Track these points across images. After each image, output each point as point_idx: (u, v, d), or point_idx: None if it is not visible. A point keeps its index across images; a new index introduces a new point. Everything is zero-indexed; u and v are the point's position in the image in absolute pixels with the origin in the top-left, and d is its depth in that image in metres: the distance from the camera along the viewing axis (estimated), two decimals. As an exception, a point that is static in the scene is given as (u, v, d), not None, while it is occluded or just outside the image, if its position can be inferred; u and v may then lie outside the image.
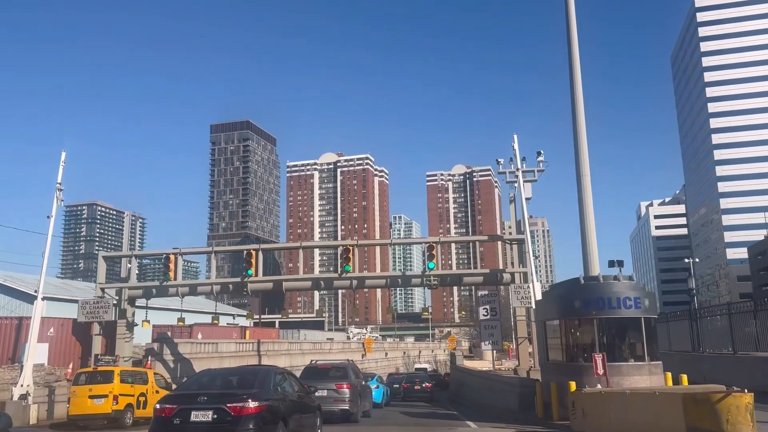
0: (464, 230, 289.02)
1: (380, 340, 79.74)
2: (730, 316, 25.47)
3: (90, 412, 18.76)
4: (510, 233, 29.69)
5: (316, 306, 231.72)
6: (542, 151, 26.58)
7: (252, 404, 10.33)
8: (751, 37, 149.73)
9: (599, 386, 16.29)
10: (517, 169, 25.17)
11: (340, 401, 18.86)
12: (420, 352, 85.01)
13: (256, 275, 27.70)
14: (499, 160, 27.30)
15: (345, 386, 19.30)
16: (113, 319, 29.00)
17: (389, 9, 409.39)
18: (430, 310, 29.38)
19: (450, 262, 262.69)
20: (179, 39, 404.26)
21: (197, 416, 10.23)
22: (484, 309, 27.90)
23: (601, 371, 15.71)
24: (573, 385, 16.86)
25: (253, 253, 27.50)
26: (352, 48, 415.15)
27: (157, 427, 10.55)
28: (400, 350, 76.98)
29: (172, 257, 28.10)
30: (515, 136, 24.65)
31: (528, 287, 25.73)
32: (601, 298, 17.51)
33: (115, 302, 29.88)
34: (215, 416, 10.19)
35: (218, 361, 37.13)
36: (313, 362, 22.44)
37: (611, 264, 20.48)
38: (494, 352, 28.82)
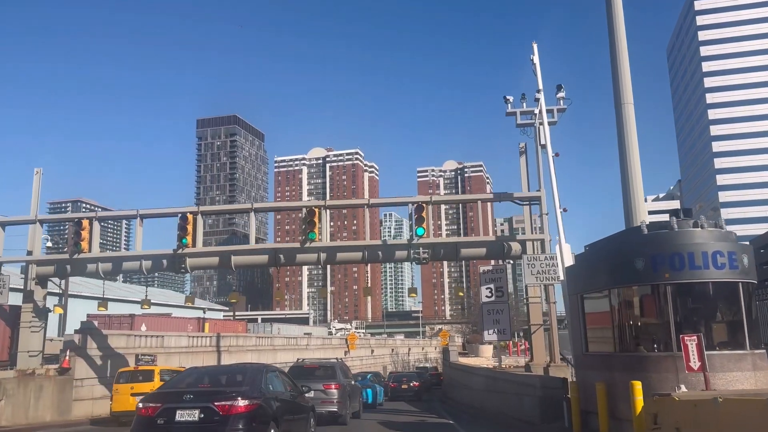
0: (455, 226, 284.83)
1: (366, 337, 73.47)
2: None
3: (132, 409, 18.30)
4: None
5: (305, 304, 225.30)
6: (563, 85, 20.60)
7: (241, 403, 9.75)
8: (750, 26, 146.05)
9: (683, 387, 10.24)
10: (538, 92, 18.68)
11: (328, 402, 17.92)
12: (410, 349, 78.89)
13: (193, 245, 21.43)
14: (508, 97, 21.21)
15: (333, 386, 18.44)
16: (8, 302, 22.64)
17: (378, 4, 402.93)
18: (417, 293, 23.57)
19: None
20: (163, 32, 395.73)
21: (182, 416, 9.62)
22: (487, 289, 21.81)
23: (695, 363, 9.63)
24: (638, 388, 10.77)
25: (190, 217, 21.19)
26: (341, 43, 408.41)
27: (140, 428, 9.89)
28: (388, 347, 70.75)
29: (85, 222, 21.73)
30: (535, 46, 18.33)
31: (546, 259, 19.65)
32: (678, 253, 11.42)
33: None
34: (202, 415, 9.59)
35: (164, 358, 30.77)
36: (300, 361, 21.66)
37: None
38: (500, 344, 22.60)
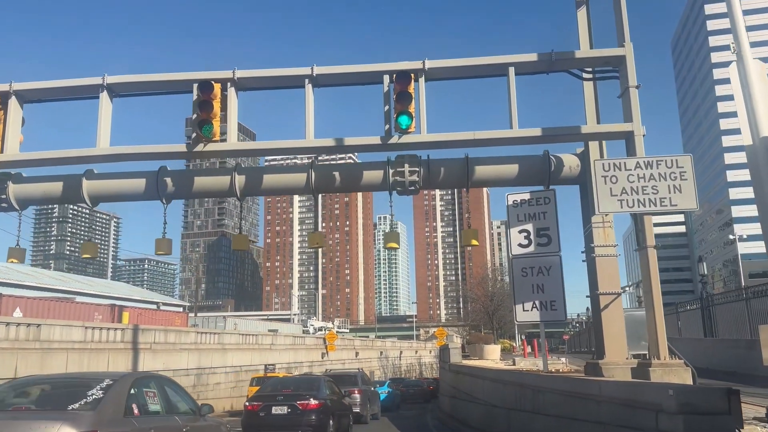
0: (451, 228, 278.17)
1: (349, 337, 63.79)
2: None
3: None
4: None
5: (295, 305, 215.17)
6: None
7: (314, 402, 14.29)
8: (763, 15, 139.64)
9: None
10: None
11: (353, 405, 20.01)
12: (401, 352, 69.29)
13: (0, 151, 11.86)
14: None
15: (356, 392, 21.83)
16: None
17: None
18: (399, 241, 15.15)
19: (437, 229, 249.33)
20: (151, 26, 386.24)
21: (276, 410, 14.23)
22: (521, 233, 12.31)
23: None
24: None
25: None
26: (330, 37, 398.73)
27: (248, 419, 14.31)
28: (376, 349, 61.10)
29: None
30: None
31: (641, 167, 10.34)
32: None
33: None
34: (289, 410, 14.15)
35: (39, 355, 21.30)
36: (328, 371, 29.15)
37: None
38: (542, 335, 12.82)
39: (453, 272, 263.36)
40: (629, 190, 10.75)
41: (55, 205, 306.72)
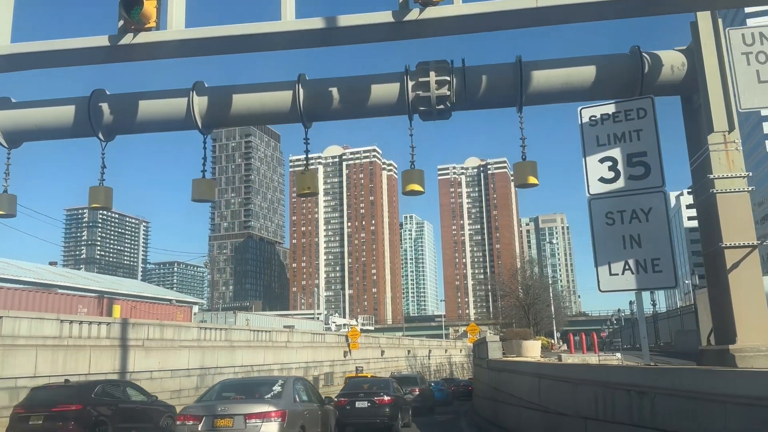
0: (479, 226, 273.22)
1: (374, 334, 60.00)
2: None
3: None
4: None
5: (322, 305, 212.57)
6: None
7: (387, 398, 18.43)
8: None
9: None
10: None
11: (412, 400, 25.21)
12: (430, 351, 65.24)
13: None
14: None
15: (417, 390, 27.41)
16: None
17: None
18: (422, 180, 11.63)
19: (462, 247, 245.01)
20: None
21: (359, 404, 18.24)
22: (603, 161, 8.22)
23: None
24: None
25: None
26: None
27: (339, 411, 16.86)
28: (403, 348, 57.12)
29: None
30: None
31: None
32: None
33: None
34: (368, 404, 18.20)
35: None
36: (394, 374, 35.04)
37: None
38: (639, 310, 9.04)
39: (481, 270, 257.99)
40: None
41: (84, 210, 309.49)
